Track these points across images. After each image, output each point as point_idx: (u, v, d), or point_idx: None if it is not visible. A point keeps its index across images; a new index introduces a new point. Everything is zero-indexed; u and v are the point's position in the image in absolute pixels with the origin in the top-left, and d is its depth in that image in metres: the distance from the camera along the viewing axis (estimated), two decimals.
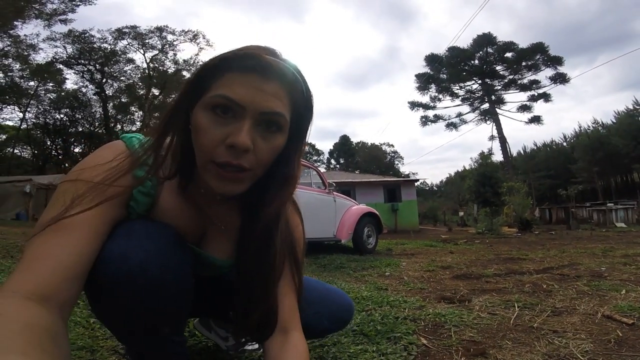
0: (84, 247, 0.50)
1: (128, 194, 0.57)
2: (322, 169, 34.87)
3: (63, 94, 23.75)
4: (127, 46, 22.38)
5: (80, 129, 26.22)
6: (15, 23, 17.75)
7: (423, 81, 26.66)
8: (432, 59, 26.04)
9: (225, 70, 0.52)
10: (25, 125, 24.01)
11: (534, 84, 24.92)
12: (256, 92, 0.51)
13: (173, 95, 26.76)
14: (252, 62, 0.52)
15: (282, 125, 0.55)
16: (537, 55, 24.12)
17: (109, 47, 21.82)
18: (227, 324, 0.79)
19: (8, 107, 22.19)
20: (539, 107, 73.65)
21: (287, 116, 0.55)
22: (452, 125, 27.49)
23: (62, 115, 25.17)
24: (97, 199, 0.52)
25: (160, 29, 22.46)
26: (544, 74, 25.31)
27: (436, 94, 27.13)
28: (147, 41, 22.50)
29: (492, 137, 25.80)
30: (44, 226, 0.49)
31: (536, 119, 24.82)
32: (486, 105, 26.38)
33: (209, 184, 0.55)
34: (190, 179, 0.61)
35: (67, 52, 21.23)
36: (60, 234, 0.49)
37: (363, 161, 48.03)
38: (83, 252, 0.50)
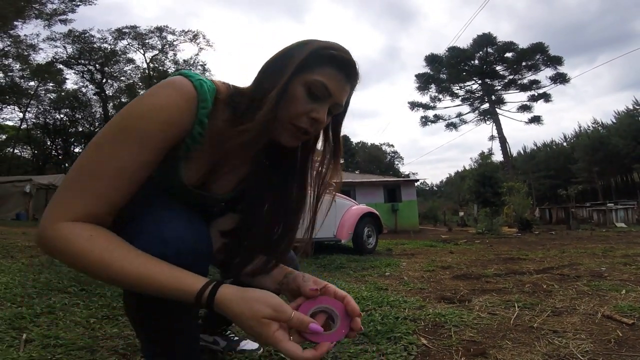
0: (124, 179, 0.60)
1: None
2: None
3: (63, 94, 23.76)
4: (127, 46, 22.43)
5: (80, 129, 26.23)
6: (15, 23, 17.76)
7: (423, 81, 26.66)
8: (432, 59, 26.05)
9: (327, 62, 0.67)
10: (25, 125, 24.04)
11: (534, 84, 24.94)
12: (341, 90, 0.70)
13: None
14: (347, 67, 0.69)
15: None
16: (537, 55, 24.13)
17: (109, 47, 21.86)
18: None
19: (8, 107, 22.23)
20: (539, 107, 73.81)
21: None
22: (452, 125, 27.51)
23: (62, 115, 25.21)
24: (156, 149, 0.62)
25: (160, 29, 22.48)
26: (544, 74, 25.36)
27: (436, 94, 27.16)
28: (147, 41, 22.53)
29: (492, 137, 25.83)
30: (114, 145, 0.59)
31: (536, 119, 24.83)
32: (486, 105, 26.38)
33: (279, 137, 0.70)
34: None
35: (67, 52, 21.28)
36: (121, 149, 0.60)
37: (363, 161, 48.00)
38: (123, 184, 0.60)
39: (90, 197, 0.58)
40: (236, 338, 1.26)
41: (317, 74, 0.66)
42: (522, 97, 41.51)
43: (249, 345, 1.26)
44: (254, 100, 0.66)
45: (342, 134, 0.81)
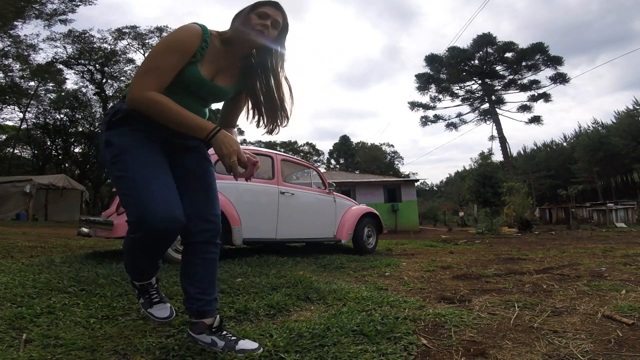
0: (173, 71, 1.17)
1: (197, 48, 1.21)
2: (322, 169, 34.85)
3: (63, 94, 23.74)
4: (127, 46, 22.39)
5: (80, 129, 26.18)
6: (16, 23, 17.75)
7: (423, 81, 26.64)
8: (432, 59, 26.02)
9: (264, 3, 1.27)
10: (25, 125, 24.01)
11: (534, 84, 24.90)
12: (274, 13, 1.27)
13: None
14: (274, 3, 1.28)
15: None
16: (537, 55, 24.09)
17: (109, 47, 21.83)
18: None
19: (8, 107, 22.23)
20: (539, 107, 73.84)
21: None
22: (452, 125, 27.47)
23: (62, 115, 25.16)
24: (180, 54, 1.17)
25: (160, 29, 22.44)
26: (544, 74, 25.31)
27: (436, 94, 27.11)
28: (147, 41, 22.48)
29: (492, 137, 25.76)
30: (158, 57, 1.16)
31: (536, 119, 24.79)
32: (486, 105, 26.35)
33: (250, 40, 1.26)
34: (229, 44, 1.29)
35: (67, 52, 21.26)
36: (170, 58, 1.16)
37: (363, 161, 47.99)
38: (172, 74, 1.17)
39: (158, 80, 1.14)
40: (233, 338, 1.27)
41: (260, 8, 1.26)
42: (522, 97, 41.53)
43: (247, 344, 1.26)
44: (231, 29, 1.28)
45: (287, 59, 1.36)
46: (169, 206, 1.13)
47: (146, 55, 1.43)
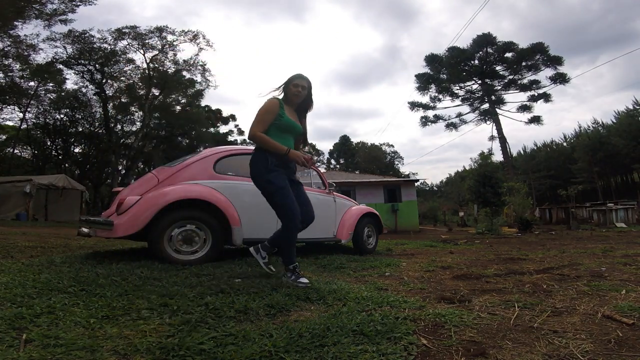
0: (269, 122, 2.45)
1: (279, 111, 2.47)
2: (322, 169, 34.83)
3: (63, 94, 23.73)
4: (127, 46, 22.37)
5: (80, 129, 26.20)
6: (16, 23, 17.75)
7: (423, 81, 26.65)
8: (432, 59, 26.03)
9: (295, 77, 2.56)
10: (25, 125, 24.02)
11: (534, 84, 24.90)
12: (301, 83, 2.55)
13: (173, 96, 26.36)
14: (301, 77, 2.58)
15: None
16: (537, 55, 24.10)
17: (109, 47, 21.80)
18: None
19: (8, 107, 22.23)
20: (539, 107, 73.86)
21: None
22: (452, 126, 27.48)
23: (62, 115, 25.17)
24: (272, 114, 2.45)
25: (160, 29, 22.45)
26: (544, 74, 25.33)
27: (436, 94, 27.13)
28: (147, 41, 22.47)
29: (492, 137, 25.76)
30: (262, 115, 2.43)
31: (536, 119, 24.80)
32: (486, 105, 26.36)
33: (293, 100, 2.56)
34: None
35: (67, 52, 21.23)
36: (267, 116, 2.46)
37: (363, 161, 48.02)
38: (268, 123, 2.46)
39: (262, 127, 2.40)
40: (300, 276, 2.37)
41: (294, 81, 2.52)
42: (522, 97, 41.59)
43: (302, 281, 2.32)
44: (285, 95, 2.58)
45: (314, 106, 2.67)
46: (300, 216, 2.40)
47: (256, 113, 2.44)
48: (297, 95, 2.48)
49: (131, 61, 23.24)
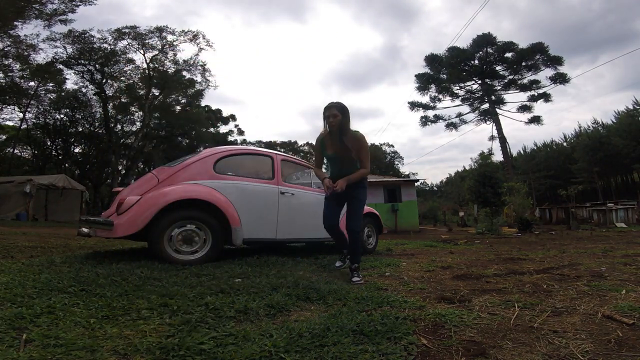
0: (320, 157, 3.08)
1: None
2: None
3: (63, 94, 23.71)
4: (127, 46, 22.34)
5: (80, 129, 26.19)
6: (15, 23, 17.73)
7: (423, 81, 26.62)
8: (432, 59, 26.00)
9: (325, 109, 2.88)
10: (25, 125, 23.99)
11: (534, 84, 24.86)
12: (329, 111, 2.82)
13: (173, 96, 26.26)
14: (328, 107, 2.83)
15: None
16: (537, 55, 24.06)
17: (109, 47, 21.78)
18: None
19: (8, 107, 22.20)
20: (539, 107, 73.87)
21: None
22: (452, 125, 27.44)
23: (62, 115, 25.16)
24: (317, 151, 3.07)
25: (160, 29, 22.44)
26: (544, 74, 25.28)
27: (436, 94, 27.07)
28: (147, 41, 22.45)
29: (492, 137, 25.72)
30: (314, 153, 3.16)
31: (536, 119, 24.77)
32: (486, 105, 26.32)
33: (330, 128, 2.85)
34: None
35: (67, 52, 21.20)
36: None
37: None
38: (320, 158, 3.08)
39: (315, 163, 3.12)
40: (355, 274, 2.75)
41: (326, 113, 2.81)
42: (522, 97, 41.59)
43: (355, 278, 2.67)
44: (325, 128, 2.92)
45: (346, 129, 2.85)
46: (327, 222, 3.03)
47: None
48: (331, 124, 2.74)
49: (131, 61, 23.25)
